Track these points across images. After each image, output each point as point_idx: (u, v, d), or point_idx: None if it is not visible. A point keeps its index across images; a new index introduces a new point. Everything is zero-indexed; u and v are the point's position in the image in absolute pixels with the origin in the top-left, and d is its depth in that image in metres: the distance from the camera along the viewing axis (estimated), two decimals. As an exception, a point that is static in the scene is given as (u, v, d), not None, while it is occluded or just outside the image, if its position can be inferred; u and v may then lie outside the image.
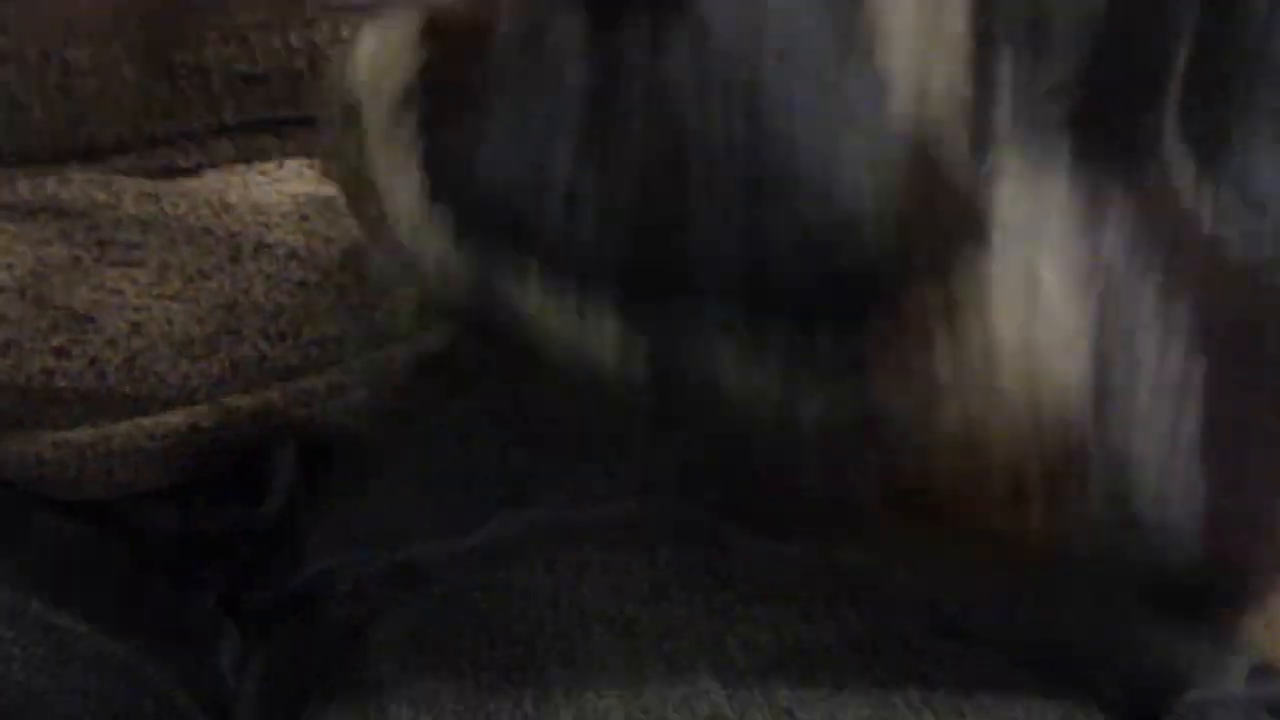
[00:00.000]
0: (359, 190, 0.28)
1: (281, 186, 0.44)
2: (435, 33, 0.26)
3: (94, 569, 0.44)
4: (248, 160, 0.44)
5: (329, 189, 0.44)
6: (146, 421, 0.43)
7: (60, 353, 0.41)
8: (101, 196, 0.42)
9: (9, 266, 0.42)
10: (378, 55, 0.26)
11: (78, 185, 0.42)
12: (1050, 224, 0.23)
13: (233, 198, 0.43)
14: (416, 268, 0.27)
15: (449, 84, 0.25)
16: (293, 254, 0.43)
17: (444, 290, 0.27)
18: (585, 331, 0.25)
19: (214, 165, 0.44)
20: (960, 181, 0.23)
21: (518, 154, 0.24)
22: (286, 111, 0.44)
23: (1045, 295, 0.23)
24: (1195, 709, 0.31)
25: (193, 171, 0.44)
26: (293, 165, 0.44)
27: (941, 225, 0.23)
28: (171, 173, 0.43)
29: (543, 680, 0.30)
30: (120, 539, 0.46)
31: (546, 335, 0.26)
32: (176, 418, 0.43)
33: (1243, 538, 0.25)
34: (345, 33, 0.39)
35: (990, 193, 0.23)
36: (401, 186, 0.26)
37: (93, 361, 0.41)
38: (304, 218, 0.43)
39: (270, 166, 0.44)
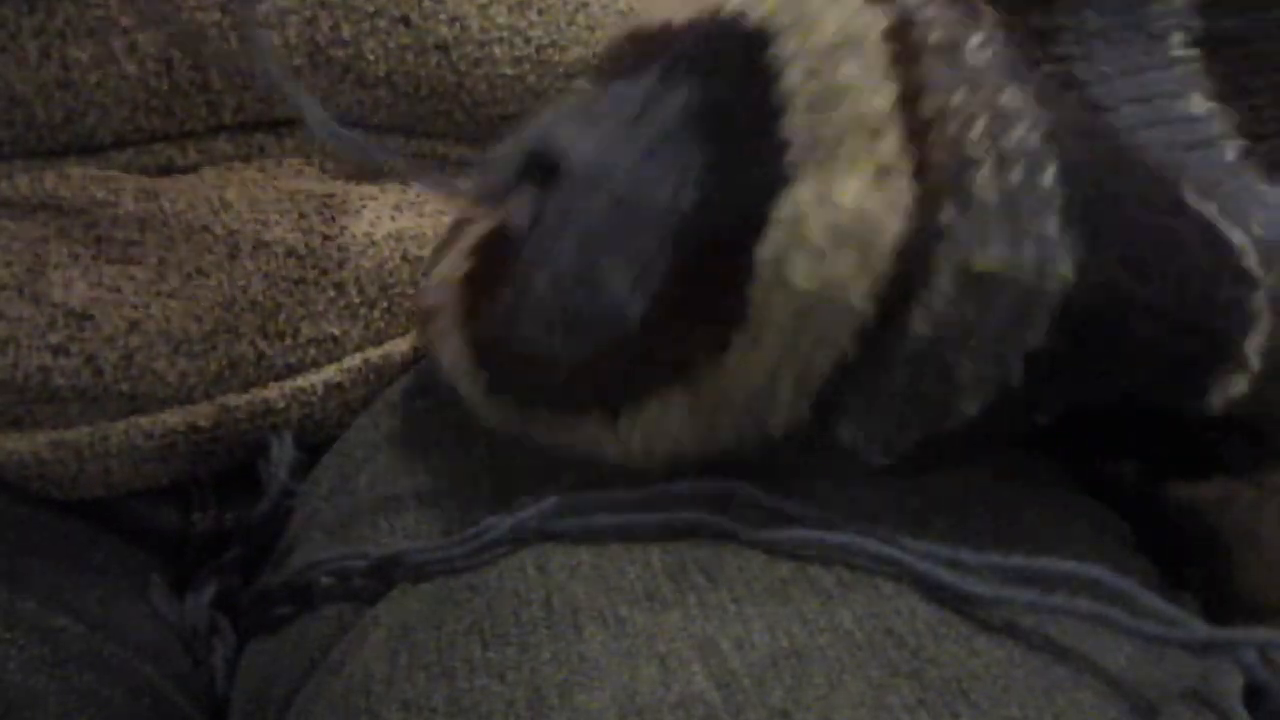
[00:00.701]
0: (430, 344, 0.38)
1: (280, 184, 0.44)
2: (475, 249, 0.35)
3: (91, 569, 0.44)
4: (246, 158, 0.44)
5: (328, 187, 0.44)
6: (144, 421, 0.42)
7: (58, 350, 0.41)
8: (100, 194, 0.42)
9: (7, 263, 0.41)
10: (441, 258, 0.36)
11: (76, 182, 0.42)
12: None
13: (231, 195, 0.43)
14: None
15: (483, 286, 0.35)
16: (291, 252, 0.43)
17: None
18: (583, 435, 0.33)
19: (212, 163, 0.44)
20: None
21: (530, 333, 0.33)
22: (284, 108, 0.43)
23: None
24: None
25: (191, 169, 0.44)
26: (291, 163, 0.44)
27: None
28: (170, 170, 0.43)
29: (535, 681, 0.29)
30: (119, 537, 0.46)
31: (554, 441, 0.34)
32: (174, 417, 0.43)
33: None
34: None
35: None
36: (452, 353, 0.36)
37: (90, 359, 0.41)
38: (302, 215, 0.43)
39: (269, 164, 0.44)
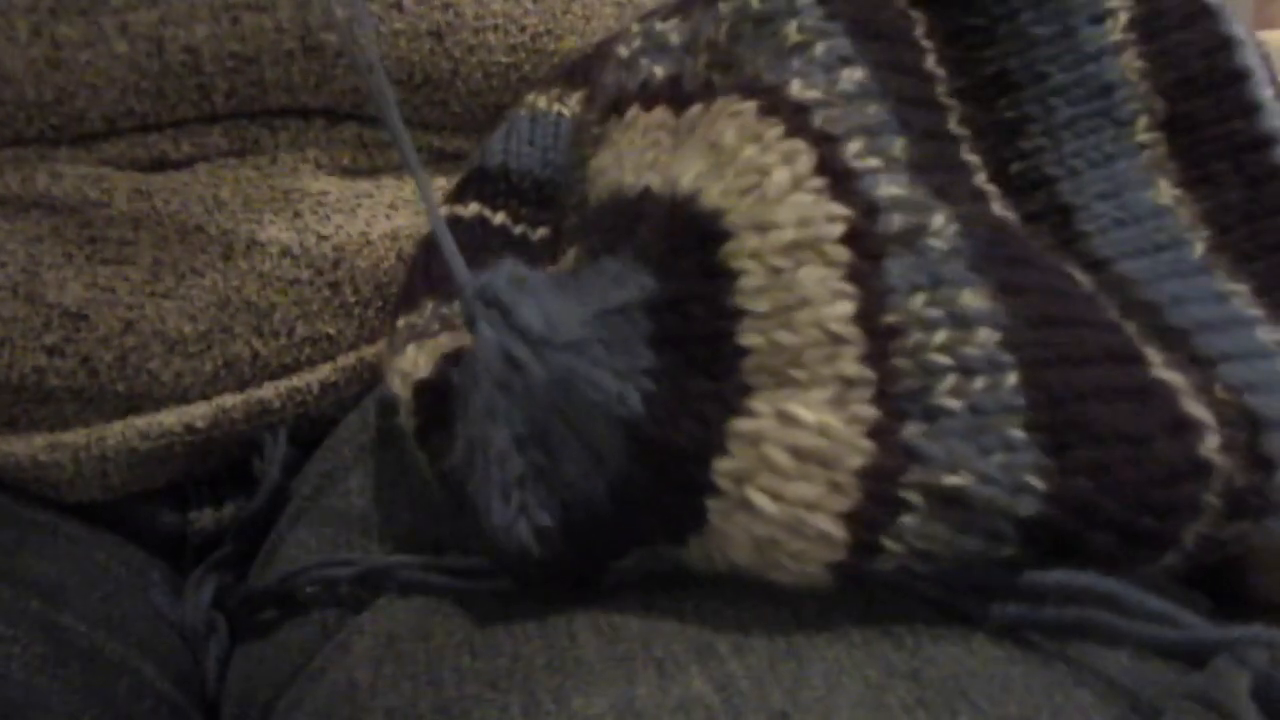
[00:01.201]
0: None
1: (274, 182, 0.43)
2: (421, 387, 0.34)
3: (92, 568, 0.44)
4: (240, 153, 0.44)
5: (322, 185, 0.44)
6: (140, 422, 0.42)
7: (53, 351, 0.41)
8: (93, 193, 0.42)
9: (1, 264, 0.41)
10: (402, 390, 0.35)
11: (69, 181, 0.42)
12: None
13: (225, 194, 0.42)
14: None
15: (431, 418, 0.34)
16: (285, 252, 0.42)
17: None
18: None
19: (206, 158, 0.43)
20: None
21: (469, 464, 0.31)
22: (277, 96, 0.43)
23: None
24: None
25: (184, 163, 0.43)
26: (285, 159, 0.44)
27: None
28: (163, 164, 0.43)
29: (529, 687, 0.29)
30: (118, 537, 0.46)
31: None
32: (170, 417, 0.42)
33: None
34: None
35: None
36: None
37: (85, 360, 0.41)
38: (297, 215, 0.43)
39: (263, 161, 0.44)
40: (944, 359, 0.28)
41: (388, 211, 0.44)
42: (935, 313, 0.28)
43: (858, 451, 0.28)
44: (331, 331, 0.43)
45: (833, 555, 0.28)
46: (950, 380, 0.28)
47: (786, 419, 0.28)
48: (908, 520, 0.28)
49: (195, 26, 0.41)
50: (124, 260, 0.42)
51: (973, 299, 0.28)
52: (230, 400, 0.43)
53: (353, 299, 0.43)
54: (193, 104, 0.43)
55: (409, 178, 0.45)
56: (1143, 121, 0.32)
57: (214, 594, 0.43)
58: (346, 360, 0.44)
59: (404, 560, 0.35)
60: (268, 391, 0.43)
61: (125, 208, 0.42)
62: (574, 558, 0.31)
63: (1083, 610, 0.29)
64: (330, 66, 0.43)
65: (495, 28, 0.45)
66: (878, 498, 0.28)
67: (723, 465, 0.28)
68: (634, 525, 0.30)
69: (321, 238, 0.43)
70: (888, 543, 0.28)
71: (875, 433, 0.28)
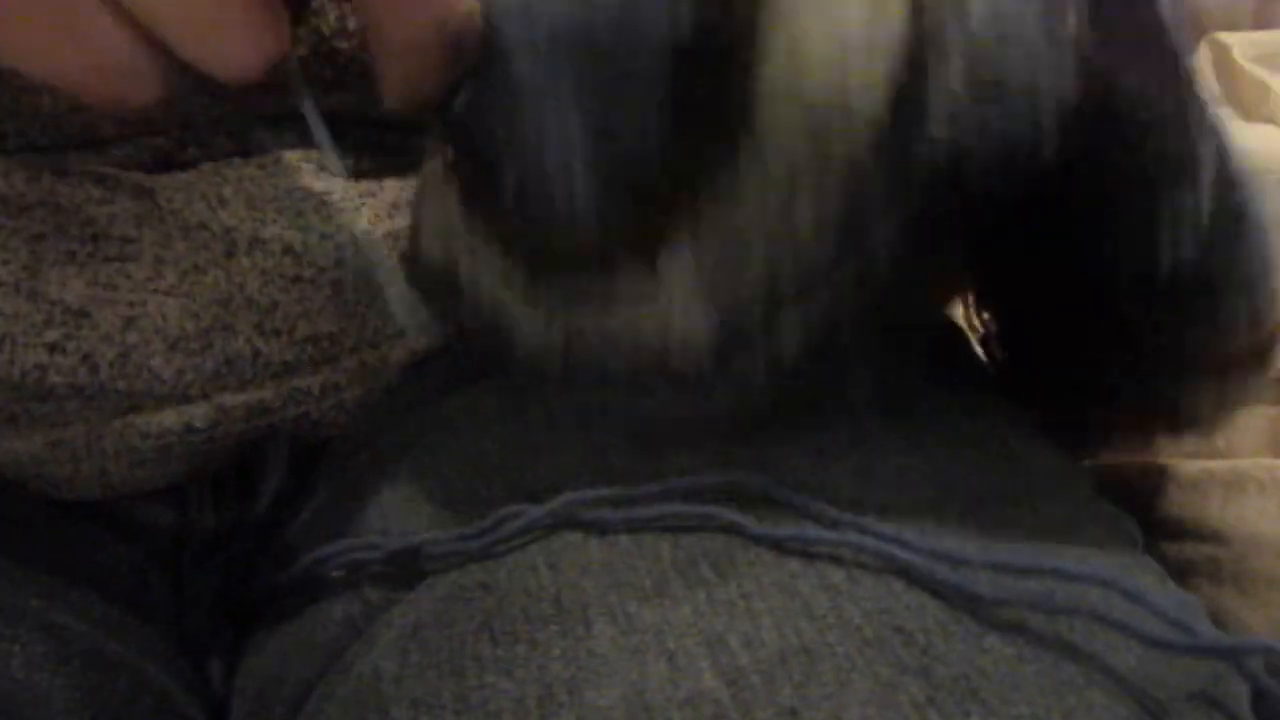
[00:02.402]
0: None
1: (277, 181, 0.43)
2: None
3: (92, 567, 0.44)
4: (244, 154, 0.44)
5: (326, 184, 0.44)
6: (140, 420, 0.42)
7: (54, 348, 0.41)
8: (96, 192, 0.41)
9: (4, 261, 0.41)
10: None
11: (73, 180, 0.42)
12: None
13: (228, 193, 0.42)
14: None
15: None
16: (288, 250, 0.42)
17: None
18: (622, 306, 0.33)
19: (211, 158, 0.43)
20: None
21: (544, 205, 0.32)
22: (282, 101, 0.43)
23: None
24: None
25: (189, 164, 0.43)
26: (289, 160, 0.44)
27: None
28: (168, 166, 0.43)
29: (545, 678, 0.29)
30: (118, 537, 0.45)
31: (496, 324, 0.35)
32: (170, 417, 0.42)
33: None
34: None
35: None
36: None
37: (86, 357, 0.41)
38: (299, 213, 0.43)
39: (267, 161, 0.44)
40: None
41: (390, 211, 0.44)
42: None
43: (896, 27, 0.29)
44: (334, 331, 0.43)
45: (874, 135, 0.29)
46: None
47: (825, 9, 0.29)
48: (948, 95, 0.29)
49: None
50: (126, 257, 0.41)
51: None
52: (231, 400, 0.43)
53: (354, 299, 0.43)
54: (201, 108, 0.43)
55: (411, 178, 0.46)
56: None
57: (214, 595, 0.43)
58: (349, 363, 0.44)
59: (434, 537, 0.35)
60: (268, 392, 0.43)
61: (128, 205, 0.42)
62: (629, 200, 0.31)
63: (1098, 603, 0.29)
64: (342, 72, 0.43)
65: None
66: (920, 70, 0.29)
67: (769, 62, 0.29)
68: (686, 144, 0.31)
69: (324, 236, 0.43)
70: (933, 121, 0.29)
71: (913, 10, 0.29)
